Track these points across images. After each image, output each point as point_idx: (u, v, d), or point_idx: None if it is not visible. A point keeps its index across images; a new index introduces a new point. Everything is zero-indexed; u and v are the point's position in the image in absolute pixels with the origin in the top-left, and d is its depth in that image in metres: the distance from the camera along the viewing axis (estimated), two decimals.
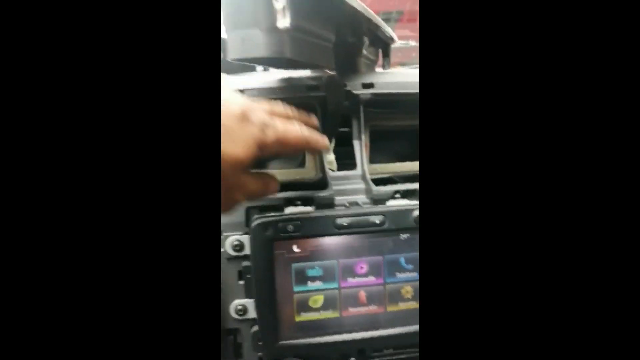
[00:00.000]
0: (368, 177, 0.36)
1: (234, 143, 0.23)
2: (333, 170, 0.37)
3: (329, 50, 0.33)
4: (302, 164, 0.38)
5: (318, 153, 0.36)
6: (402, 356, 0.37)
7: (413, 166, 0.40)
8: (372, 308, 0.32)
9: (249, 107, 0.25)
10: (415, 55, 1.47)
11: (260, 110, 0.26)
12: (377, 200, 0.35)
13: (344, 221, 0.31)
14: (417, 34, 1.61)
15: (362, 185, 0.36)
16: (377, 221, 0.31)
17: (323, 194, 0.33)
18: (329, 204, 0.34)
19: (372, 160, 0.40)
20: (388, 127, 0.41)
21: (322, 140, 0.29)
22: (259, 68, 0.48)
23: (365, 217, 0.31)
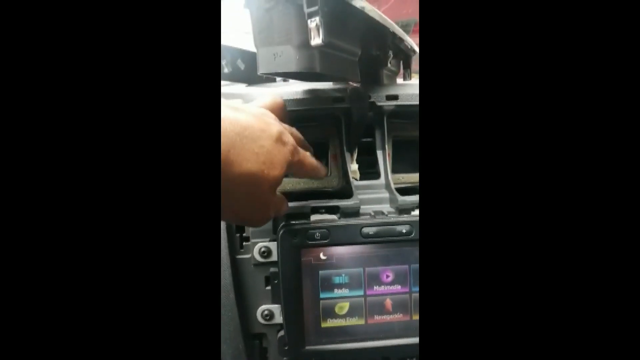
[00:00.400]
0: (392, 186, 0.36)
1: (273, 164, 0.25)
2: (356, 180, 0.38)
3: (355, 64, 0.34)
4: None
5: (318, 179, 0.38)
6: None
7: None
8: (398, 316, 0.33)
9: (283, 129, 0.27)
10: None
11: (289, 133, 0.28)
12: (402, 210, 0.35)
13: (370, 230, 0.32)
14: None
15: (385, 195, 0.37)
16: (404, 230, 0.32)
17: (348, 202, 0.34)
18: (355, 212, 0.34)
19: (395, 169, 0.40)
20: (410, 137, 0.41)
21: (324, 169, 0.34)
22: (278, 79, 0.50)
23: (392, 226, 0.32)
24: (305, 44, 0.26)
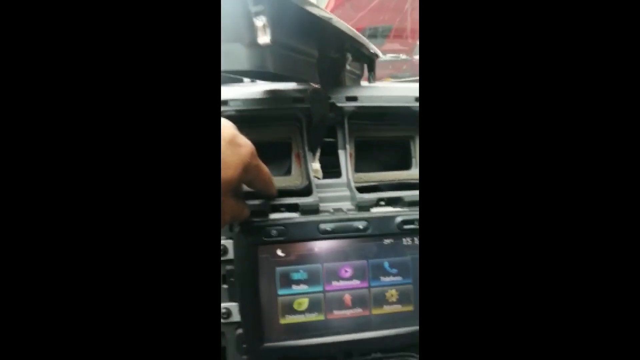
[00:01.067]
0: (352, 184, 0.37)
1: (226, 166, 0.24)
2: (318, 178, 0.38)
3: (312, 65, 0.35)
4: (288, 172, 0.39)
5: (270, 195, 0.35)
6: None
7: (397, 175, 0.41)
8: (357, 311, 0.33)
9: (238, 132, 0.26)
10: (406, 67, 1.51)
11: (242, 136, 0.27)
12: (362, 207, 0.36)
13: (328, 226, 0.32)
14: (406, 48, 1.67)
15: (347, 193, 0.38)
16: (361, 226, 0.33)
17: (307, 200, 0.35)
18: (314, 210, 0.35)
19: (358, 169, 0.41)
20: (372, 138, 0.42)
21: (275, 188, 0.33)
22: (246, 80, 0.50)
23: (349, 222, 0.33)
24: (255, 42, 0.27)
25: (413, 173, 0.42)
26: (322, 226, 0.32)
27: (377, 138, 0.43)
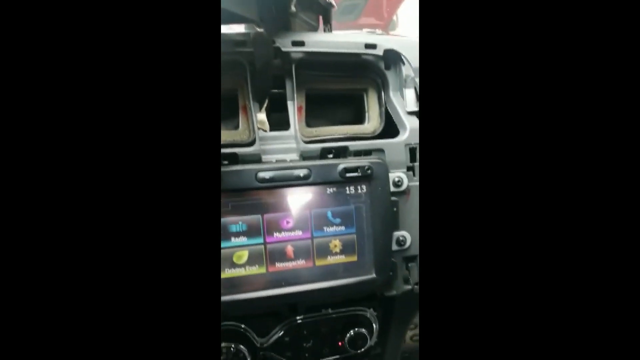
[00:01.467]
0: (299, 136, 0.35)
1: None
2: (265, 131, 0.36)
3: (251, 1, 0.32)
4: (236, 127, 0.37)
5: None
6: (333, 315, 0.37)
7: (350, 129, 0.40)
8: (300, 263, 0.32)
9: None
10: None
11: None
12: (306, 158, 0.34)
13: (266, 174, 0.30)
14: (382, 23, 1.63)
15: (293, 145, 0.36)
16: (302, 174, 0.31)
17: (248, 150, 0.33)
18: (255, 160, 0.33)
19: (310, 124, 0.40)
20: (324, 90, 0.41)
21: None
22: None
23: (290, 170, 0.31)
24: None
25: (366, 127, 0.41)
26: (261, 174, 0.30)
27: (329, 91, 0.41)
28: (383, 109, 0.41)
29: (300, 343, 0.38)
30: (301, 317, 0.36)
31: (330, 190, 0.32)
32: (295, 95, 0.37)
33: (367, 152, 0.36)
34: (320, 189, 0.32)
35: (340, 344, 0.39)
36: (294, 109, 0.37)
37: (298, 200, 0.32)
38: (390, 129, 0.40)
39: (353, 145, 0.35)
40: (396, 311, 0.41)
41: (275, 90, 0.37)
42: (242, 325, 0.34)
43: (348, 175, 0.32)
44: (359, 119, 0.42)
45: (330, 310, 0.37)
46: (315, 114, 0.41)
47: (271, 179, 0.31)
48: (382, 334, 0.41)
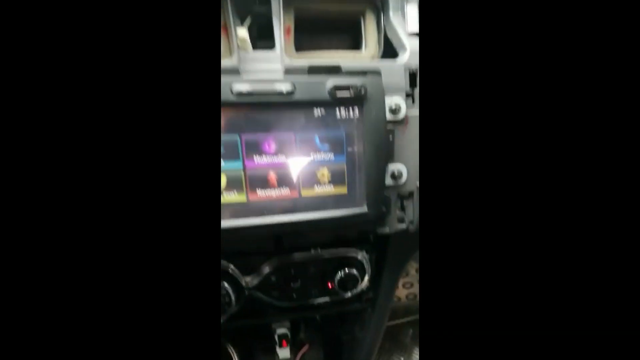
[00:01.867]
0: (283, 55, 0.32)
1: None
2: (246, 50, 0.32)
3: None
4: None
5: None
6: (324, 256, 0.35)
7: (343, 55, 0.36)
8: (285, 192, 0.29)
9: None
10: None
11: None
12: (292, 72, 0.31)
13: (243, 87, 0.27)
14: None
15: (278, 66, 0.32)
16: (285, 90, 0.28)
17: (224, 62, 0.29)
18: (233, 73, 0.29)
19: (300, 47, 0.36)
20: (316, 11, 0.36)
21: None
22: None
23: (271, 84, 0.27)
24: None
25: (363, 55, 0.37)
26: (237, 86, 0.27)
27: (322, 13, 0.36)
28: (382, 35, 0.37)
29: (288, 283, 0.36)
30: (288, 254, 0.34)
31: (318, 111, 0.29)
32: (281, 11, 0.33)
33: (361, 74, 0.32)
34: (306, 110, 0.29)
35: (330, 285, 0.37)
36: (280, 26, 0.33)
37: (281, 120, 0.28)
38: (389, 57, 0.36)
39: (346, 66, 0.31)
40: (389, 254, 0.38)
41: (260, 6, 0.33)
42: (231, 266, 0.32)
43: (338, 94, 0.28)
44: (356, 47, 0.38)
45: (320, 250, 0.35)
46: (306, 41, 0.37)
47: (249, 94, 0.27)
48: (375, 279, 0.39)
